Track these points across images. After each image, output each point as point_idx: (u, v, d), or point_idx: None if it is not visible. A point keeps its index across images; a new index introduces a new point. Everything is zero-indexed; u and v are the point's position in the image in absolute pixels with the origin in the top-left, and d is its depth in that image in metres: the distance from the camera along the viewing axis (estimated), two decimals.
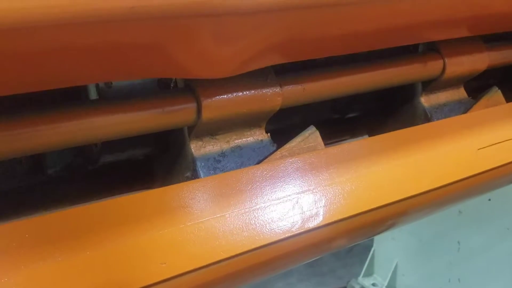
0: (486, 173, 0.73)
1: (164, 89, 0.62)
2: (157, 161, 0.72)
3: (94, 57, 0.36)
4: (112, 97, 0.53)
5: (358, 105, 0.89)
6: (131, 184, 0.74)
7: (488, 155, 0.74)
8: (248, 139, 0.65)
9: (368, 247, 2.68)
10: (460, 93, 0.84)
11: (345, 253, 3.18)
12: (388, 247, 2.50)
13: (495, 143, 0.76)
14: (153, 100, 0.54)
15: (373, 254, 2.63)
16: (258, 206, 0.50)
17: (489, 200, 2.05)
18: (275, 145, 0.66)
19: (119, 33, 0.33)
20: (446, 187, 0.68)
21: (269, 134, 0.66)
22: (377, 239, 2.57)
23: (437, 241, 2.30)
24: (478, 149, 0.74)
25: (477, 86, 0.91)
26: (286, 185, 0.53)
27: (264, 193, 0.51)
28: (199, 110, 0.57)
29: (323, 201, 0.54)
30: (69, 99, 0.54)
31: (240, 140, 0.64)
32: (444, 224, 2.26)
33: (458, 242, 2.21)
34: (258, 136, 0.66)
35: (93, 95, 0.53)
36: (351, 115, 0.93)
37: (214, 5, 0.34)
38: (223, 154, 0.63)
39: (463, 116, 0.81)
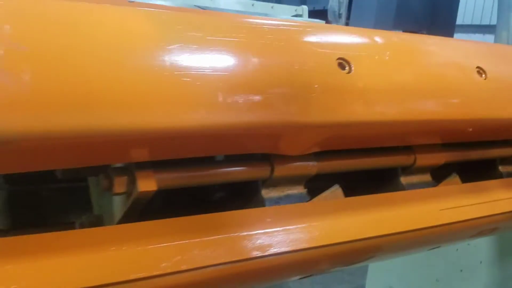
0: (446, 226, 1.15)
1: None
2: (230, 201, 1.14)
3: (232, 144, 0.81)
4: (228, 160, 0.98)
5: (361, 177, 1.33)
6: None
7: (447, 213, 1.16)
8: (294, 191, 1.08)
9: None
10: (427, 177, 1.28)
11: None
12: None
13: (453, 207, 1.18)
14: (248, 163, 0.98)
15: None
16: (305, 225, 0.93)
17: (461, 271, 2.44)
18: (309, 196, 1.08)
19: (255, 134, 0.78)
20: (417, 231, 1.10)
21: (306, 189, 1.09)
22: None
23: None
24: (440, 210, 1.16)
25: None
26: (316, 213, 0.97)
27: (309, 215, 0.95)
28: (272, 171, 1.00)
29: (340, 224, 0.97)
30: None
31: (289, 191, 1.07)
32: None
33: None
34: (299, 190, 1.09)
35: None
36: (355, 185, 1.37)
37: (298, 124, 0.79)
38: (279, 198, 1.06)
39: (431, 189, 1.24)
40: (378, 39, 0.96)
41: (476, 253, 2.33)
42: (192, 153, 0.87)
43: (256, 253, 0.86)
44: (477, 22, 15.85)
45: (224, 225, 0.86)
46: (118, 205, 0.93)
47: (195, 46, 0.77)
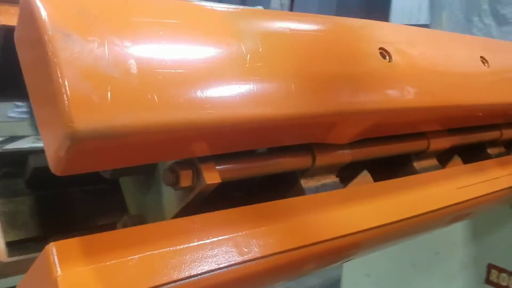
0: (464, 203, 1.22)
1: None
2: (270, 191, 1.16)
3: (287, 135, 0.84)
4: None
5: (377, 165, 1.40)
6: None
7: (464, 191, 1.24)
8: (328, 180, 1.12)
9: None
10: (435, 161, 1.37)
11: None
12: None
13: (468, 185, 1.26)
14: (292, 154, 1.01)
15: None
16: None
17: (438, 253, 2.59)
18: (342, 184, 1.13)
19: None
20: (444, 209, 1.17)
21: (338, 178, 1.13)
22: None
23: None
24: (457, 188, 1.24)
25: None
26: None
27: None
28: (313, 160, 1.03)
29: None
30: None
31: (325, 180, 1.11)
32: (401, 274, 2.76)
33: None
34: (332, 179, 1.13)
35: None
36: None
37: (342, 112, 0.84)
38: (317, 188, 1.09)
39: (444, 170, 1.32)
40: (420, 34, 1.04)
41: (451, 235, 2.48)
42: (251, 145, 0.89)
43: (317, 239, 0.89)
44: (406, 22, 16.75)
45: (279, 213, 0.89)
46: (173, 201, 0.92)
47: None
